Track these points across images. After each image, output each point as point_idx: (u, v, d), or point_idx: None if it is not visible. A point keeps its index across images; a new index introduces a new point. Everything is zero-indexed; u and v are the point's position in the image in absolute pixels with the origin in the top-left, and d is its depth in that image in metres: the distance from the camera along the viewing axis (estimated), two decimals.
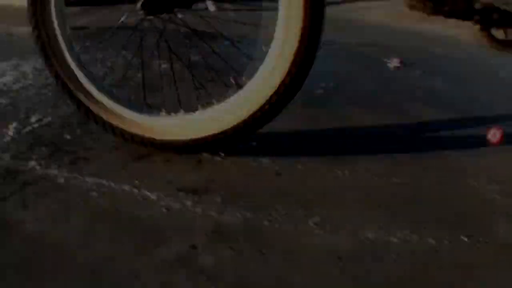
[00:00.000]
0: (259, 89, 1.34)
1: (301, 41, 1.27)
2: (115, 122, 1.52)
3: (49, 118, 1.83)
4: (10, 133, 1.71)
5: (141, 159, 1.56)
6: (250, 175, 1.51)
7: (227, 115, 1.40)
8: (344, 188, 1.45)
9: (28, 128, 1.75)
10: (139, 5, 1.37)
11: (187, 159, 1.56)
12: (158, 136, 1.48)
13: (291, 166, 1.55)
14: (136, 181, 1.43)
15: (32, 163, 1.50)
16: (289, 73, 1.30)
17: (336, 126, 1.91)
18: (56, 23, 1.51)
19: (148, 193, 1.39)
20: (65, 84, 1.54)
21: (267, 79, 1.34)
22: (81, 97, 1.54)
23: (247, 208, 1.33)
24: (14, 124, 1.77)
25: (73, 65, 1.54)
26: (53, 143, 1.64)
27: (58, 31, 1.52)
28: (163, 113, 1.51)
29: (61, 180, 1.42)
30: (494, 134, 1.31)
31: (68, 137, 1.68)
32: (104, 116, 1.53)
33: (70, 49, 1.54)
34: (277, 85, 1.31)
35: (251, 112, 1.36)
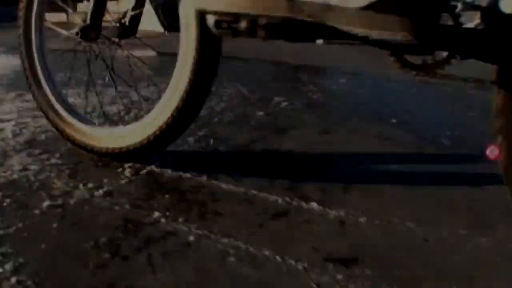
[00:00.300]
0: (162, 111, 1.46)
1: (189, 87, 1.41)
2: (68, 130, 1.64)
3: (170, 159, 1.63)
4: (127, 174, 1.51)
5: (278, 216, 1.32)
6: (397, 242, 1.25)
7: (144, 129, 1.49)
8: (489, 259, 1.21)
9: (147, 168, 1.55)
10: (74, 32, 1.48)
11: (327, 220, 1.32)
12: (97, 144, 1.57)
13: (437, 231, 1.31)
14: (278, 246, 1.18)
15: (156, 214, 1.28)
16: (177, 107, 1.43)
17: (470, 184, 1.63)
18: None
19: (293, 262, 1.13)
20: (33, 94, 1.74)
21: (164, 108, 1.46)
22: (44, 107, 1.70)
23: (401, 283, 1.09)
24: (131, 163, 1.57)
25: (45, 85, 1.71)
26: (177, 190, 1.42)
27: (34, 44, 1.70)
28: (106, 125, 1.67)
29: (191, 238, 1.19)
30: (492, 151, 1.15)
31: (193, 182, 1.46)
32: (61, 126, 1.66)
33: (47, 76, 1.72)
34: (172, 111, 1.44)
35: (157, 128, 1.46)
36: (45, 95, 1.70)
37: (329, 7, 0.97)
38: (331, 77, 3.16)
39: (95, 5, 1.45)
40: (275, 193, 1.43)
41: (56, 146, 1.75)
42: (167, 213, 1.28)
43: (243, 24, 1.10)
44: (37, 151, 1.69)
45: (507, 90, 0.99)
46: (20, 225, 1.21)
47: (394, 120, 2.32)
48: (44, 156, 1.64)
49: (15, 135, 1.87)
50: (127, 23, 1.36)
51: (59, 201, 1.33)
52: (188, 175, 1.51)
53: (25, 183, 1.44)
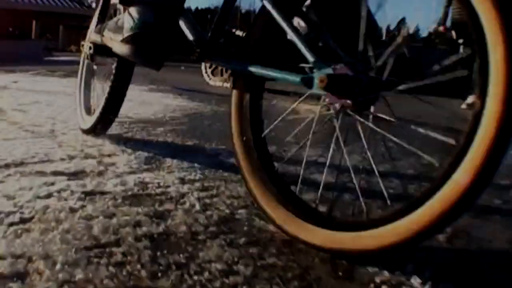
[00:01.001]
0: (98, 109, 2.27)
1: (107, 99, 2.21)
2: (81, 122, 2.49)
3: (428, 269, 1.10)
4: None
5: None
6: None
7: (93, 117, 2.33)
8: None
9: (406, 284, 1.03)
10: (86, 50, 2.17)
11: None
12: (83, 126, 2.43)
13: None
14: None
15: None
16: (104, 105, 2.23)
17: None
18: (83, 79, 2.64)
19: None
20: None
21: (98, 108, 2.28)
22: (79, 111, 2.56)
23: None
24: (381, 276, 1.07)
25: (81, 96, 2.60)
26: None
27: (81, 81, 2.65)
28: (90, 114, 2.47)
29: None
30: None
31: None
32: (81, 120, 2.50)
33: (85, 88, 2.60)
34: (101, 110, 2.25)
35: (98, 117, 2.28)
36: (79, 99, 2.55)
37: (112, 39, 1.80)
38: None
39: (89, 43, 2.12)
40: None
41: (266, 232, 1.29)
42: None
43: (86, 48, 2.05)
44: (241, 240, 1.23)
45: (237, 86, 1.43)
46: None
47: None
48: (254, 250, 1.17)
49: (204, 207, 1.44)
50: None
51: None
52: None
53: None
